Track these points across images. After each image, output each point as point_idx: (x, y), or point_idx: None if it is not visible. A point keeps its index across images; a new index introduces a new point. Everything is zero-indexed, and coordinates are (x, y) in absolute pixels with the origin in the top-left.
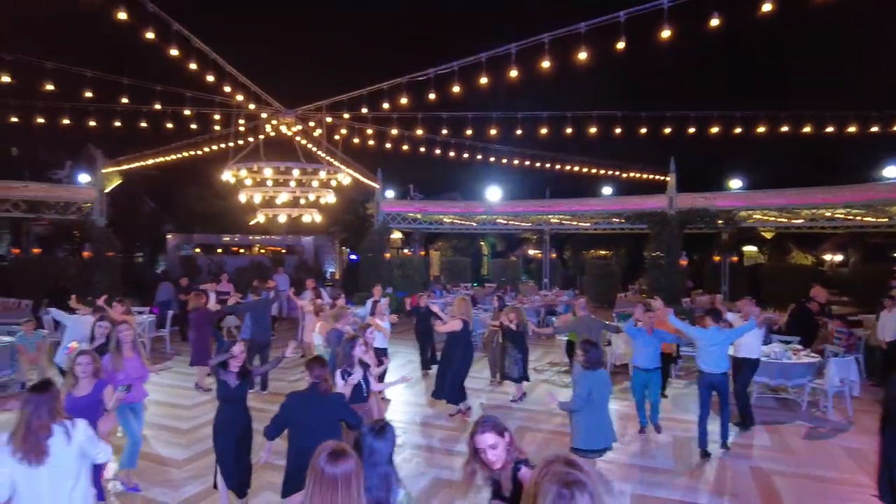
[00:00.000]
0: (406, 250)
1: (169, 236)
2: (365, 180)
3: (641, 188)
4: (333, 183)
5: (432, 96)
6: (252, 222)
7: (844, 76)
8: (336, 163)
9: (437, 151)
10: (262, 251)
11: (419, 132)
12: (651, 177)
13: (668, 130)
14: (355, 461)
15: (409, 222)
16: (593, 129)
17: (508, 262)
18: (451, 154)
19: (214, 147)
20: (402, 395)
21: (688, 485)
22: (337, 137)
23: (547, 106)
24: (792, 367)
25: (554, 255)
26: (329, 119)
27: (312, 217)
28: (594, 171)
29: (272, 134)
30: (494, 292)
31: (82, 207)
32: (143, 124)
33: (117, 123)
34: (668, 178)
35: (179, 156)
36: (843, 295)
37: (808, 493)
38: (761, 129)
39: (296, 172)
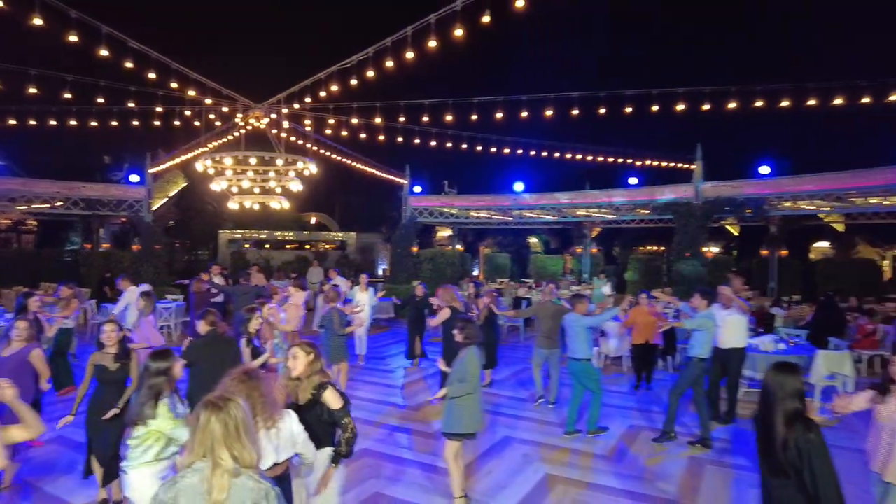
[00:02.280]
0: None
1: (221, 232)
2: (388, 176)
3: (671, 178)
4: (307, 173)
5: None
6: (232, 206)
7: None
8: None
9: (449, 144)
10: (308, 247)
11: (449, 118)
12: (680, 166)
13: (681, 107)
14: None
15: (439, 216)
16: (629, 109)
17: (550, 258)
18: (479, 149)
19: (214, 144)
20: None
21: (605, 469)
22: (308, 127)
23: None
24: (776, 358)
25: (595, 251)
26: (297, 106)
27: (281, 204)
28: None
29: (261, 126)
30: (473, 280)
31: (133, 205)
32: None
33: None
34: (693, 167)
35: (192, 154)
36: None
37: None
38: (786, 104)
39: (253, 161)
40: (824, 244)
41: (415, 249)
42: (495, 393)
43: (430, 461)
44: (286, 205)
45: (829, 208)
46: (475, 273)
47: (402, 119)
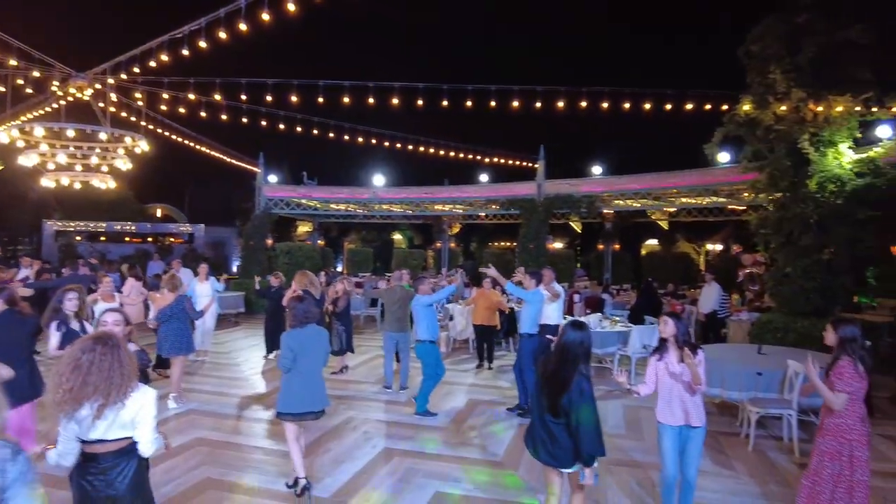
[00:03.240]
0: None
1: (48, 223)
2: (240, 164)
3: (520, 176)
4: (138, 150)
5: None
6: (47, 184)
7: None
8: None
9: (299, 129)
10: (150, 240)
11: (294, 99)
12: (527, 164)
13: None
14: None
15: (296, 208)
16: (469, 103)
17: (412, 253)
18: (331, 135)
19: (28, 116)
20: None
21: (442, 439)
22: (140, 102)
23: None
24: (605, 335)
25: (454, 245)
26: (124, 76)
27: (106, 183)
28: (477, 157)
29: (84, 97)
30: (327, 272)
31: None
32: None
33: None
34: (537, 166)
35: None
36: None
37: None
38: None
39: (71, 134)
40: (653, 241)
41: (270, 242)
42: (348, 379)
43: (271, 445)
44: (112, 184)
45: (650, 205)
46: (339, 268)
47: (244, 98)
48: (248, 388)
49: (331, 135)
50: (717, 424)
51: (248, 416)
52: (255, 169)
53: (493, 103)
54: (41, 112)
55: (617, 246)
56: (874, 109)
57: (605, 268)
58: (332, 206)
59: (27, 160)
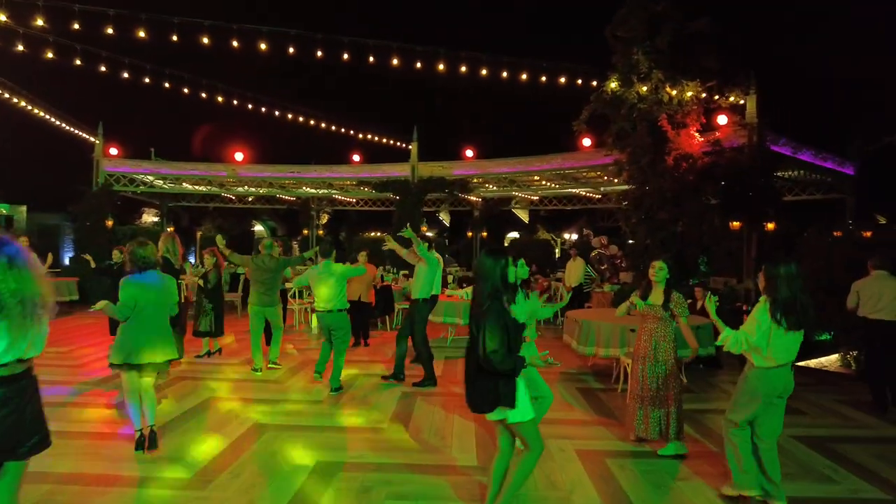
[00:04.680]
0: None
1: None
2: (71, 129)
3: (391, 158)
4: None
5: None
6: None
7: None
8: None
9: (147, 80)
10: None
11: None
12: (399, 144)
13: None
14: None
15: (140, 186)
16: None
17: (277, 240)
18: (166, 84)
19: None
20: None
21: (321, 412)
22: None
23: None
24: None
25: (321, 233)
26: None
27: None
28: (345, 131)
29: None
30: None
31: None
32: None
33: None
34: (411, 147)
35: None
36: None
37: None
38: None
39: None
40: (514, 234)
41: (109, 223)
42: (220, 362)
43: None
44: None
45: (516, 194)
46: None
47: (40, 23)
48: (82, 372)
49: (185, 90)
50: (595, 383)
51: (80, 402)
52: (90, 138)
53: (371, 59)
54: None
55: (484, 234)
56: (716, 97)
57: (473, 254)
58: (186, 185)
59: None
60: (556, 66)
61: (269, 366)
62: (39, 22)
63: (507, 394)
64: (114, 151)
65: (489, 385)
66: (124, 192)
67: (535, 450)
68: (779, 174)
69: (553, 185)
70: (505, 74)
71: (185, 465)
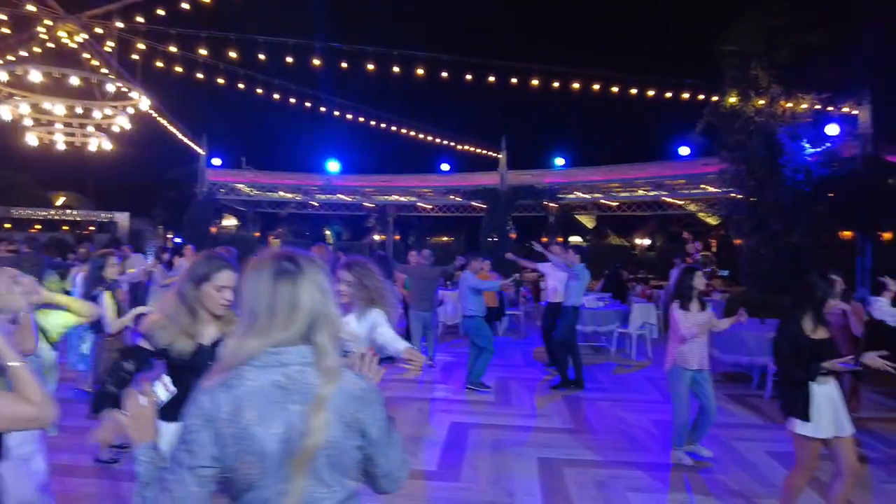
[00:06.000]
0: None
1: None
2: (183, 138)
3: (478, 167)
4: (131, 111)
5: None
6: (30, 141)
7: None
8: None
9: (259, 90)
10: (65, 228)
11: (232, 55)
12: (485, 152)
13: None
14: None
15: (239, 195)
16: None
17: (351, 244)
18: (277, 96)
19: None
20: None
21: (504, 412)
22: (135, 57)
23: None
24: (605, 313)
25: (398, 238)
26: (120, 25)
27: (100, 144)
28: (432, 139)
29: (50, 45)
30: None
31: None
32: None
33: None
34: (500, 156)
35: None
36: (649, 273)
37: (612, 413)
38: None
39: (75, 81)
40: (577, 238)
41: (214, 230)
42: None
43: None
44: (107, 145)
45: (600, 197)
46: None
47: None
48: None
49: (276, 96)
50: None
51: None
52: (197, 148)
53: (468, 77)
54: (13, 57)
55: (560, 238)
56: (829, 108)
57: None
58: (277, 193)
59: (5, 112)
60: (643, 78)
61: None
62: (173, 49)
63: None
64: (217, 162)
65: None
66: (225, 200)
67: None
68: (891, 181)
69: (641, 191)
70: (596, 87)
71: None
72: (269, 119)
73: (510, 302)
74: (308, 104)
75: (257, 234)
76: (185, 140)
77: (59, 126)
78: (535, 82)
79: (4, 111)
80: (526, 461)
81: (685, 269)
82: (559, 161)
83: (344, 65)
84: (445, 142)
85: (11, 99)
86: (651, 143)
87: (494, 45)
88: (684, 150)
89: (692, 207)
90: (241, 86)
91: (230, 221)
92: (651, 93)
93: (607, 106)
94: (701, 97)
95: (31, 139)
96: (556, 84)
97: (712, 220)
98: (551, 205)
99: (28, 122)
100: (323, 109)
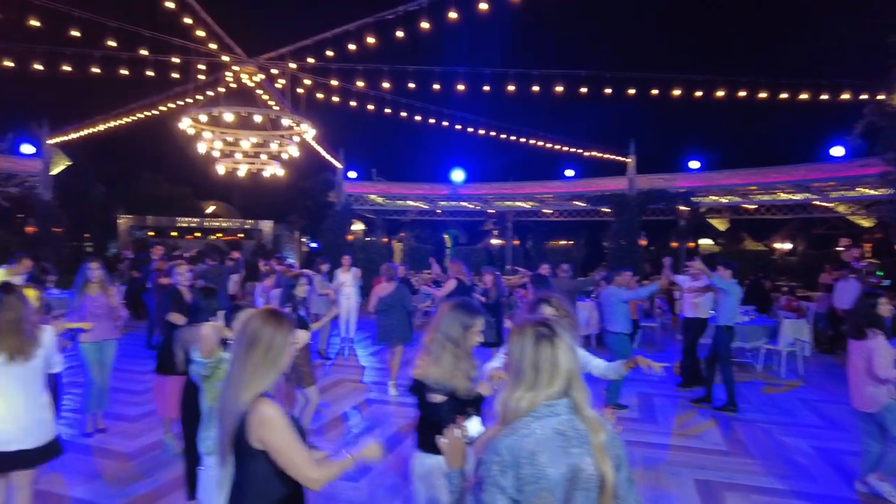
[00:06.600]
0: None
1: (120, 219)
2: (326, 155)
3: (603, 171)
4: (296, 139)
5: (400, 34)
6: (219, 170)
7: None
8: (295, 120)
9: (403, 114)
10: (218, 236)
11: (385, 85)
12: (611, 157)
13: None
14: None
15: (370, 205)
16: (560, 88)
17: (471, 249)
18: (417, 118)
19: (171, 105)
20: None
21: (650, 430)
22: (300, 91)
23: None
24: (751, 329)
25: (516, 242)
26: (293, 65)
27: (275, 171)
28: (557, 147)
29: (233, 85)
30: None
31: (27, 180)
32: (95, 69)
33: (66, 67)
34: (628, 160)
35: (132, 118)
36: (790, 279)
37: (768, 436)
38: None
39: (258, 119)
40: (708, 241)
41: (350, 238)
42: None
43: None
44: (280, 172)
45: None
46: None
47: (387, 86)
48: None
49: (417, 117)
50: None
51: None
52: (336, 163)
53: (583, 90)
54: (201, 97)
55: (691, 244)
56: None
57: (680, 264)
58: (402, 202)
59: (206, 146)
60: (779, 81)
61: None
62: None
63: None
64: (353, 175)
65: None
66: (358, 210)
67: None
68: None
69: (782, 194)
70: (721, 93)
71: None
72: (398, 133)
73: (644, 313)
74: (432, 120)
75: (385, 239)
76: (328, 156)
77: (238, 156)
78: (676, 92)
79: (201, 146)
80: (683, 481)
81: (866, 294)
82: (694, 164)
83: (486, 88)
84: (571, 149)
85: (205, 136)
86: (794, 144)
87: (633, 56)
88: (838, 151)
89: (841, 209)
90: (386, 110)
91: (357, 226)
92: (804, 96)
93: (744, 109)
94: (844, 97)
95: (220, 168)
96: (698, 93)
97: (866, 223)
98: (682, 208)
99: (215, 153)
100: (445, 123)
